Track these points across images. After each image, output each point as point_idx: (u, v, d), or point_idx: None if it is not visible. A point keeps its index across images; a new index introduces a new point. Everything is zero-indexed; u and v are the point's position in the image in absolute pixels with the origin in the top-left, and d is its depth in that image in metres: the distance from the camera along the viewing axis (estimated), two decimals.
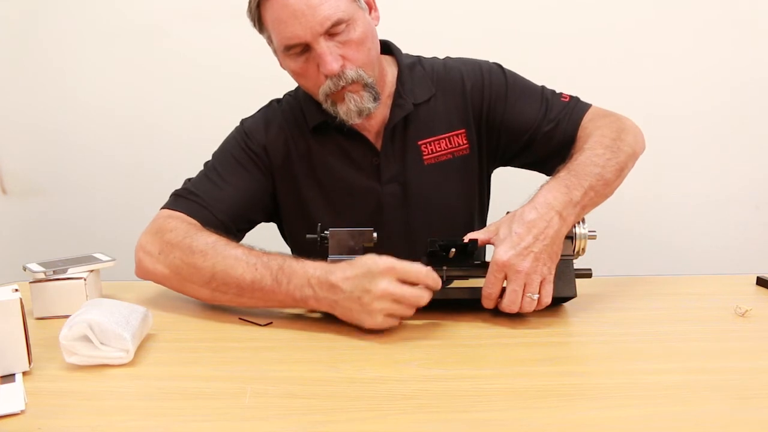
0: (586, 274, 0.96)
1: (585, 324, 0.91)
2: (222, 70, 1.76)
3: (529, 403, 0.67)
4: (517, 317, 0.92)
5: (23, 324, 0.75)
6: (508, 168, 1.26)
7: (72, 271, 0.97)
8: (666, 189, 1.82)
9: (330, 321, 0.90)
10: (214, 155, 1.18)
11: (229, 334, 0.87)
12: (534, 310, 0.90)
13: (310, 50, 1.01)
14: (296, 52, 1.02)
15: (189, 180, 1.15)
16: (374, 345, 0.84)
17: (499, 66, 1.19)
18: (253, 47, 1.71)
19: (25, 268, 0.97)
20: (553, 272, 0.90)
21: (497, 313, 0.92)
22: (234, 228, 1.10)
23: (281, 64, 1.10)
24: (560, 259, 0.91)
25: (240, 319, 0.93)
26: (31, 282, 0.96)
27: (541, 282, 0.88)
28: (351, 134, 1.13)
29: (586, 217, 0.96)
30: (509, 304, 0.88)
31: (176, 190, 1.12)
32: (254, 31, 1.46)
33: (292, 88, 1.23)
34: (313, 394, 0.70)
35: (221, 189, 1.10)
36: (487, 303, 0.90)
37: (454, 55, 1.23)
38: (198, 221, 1.04)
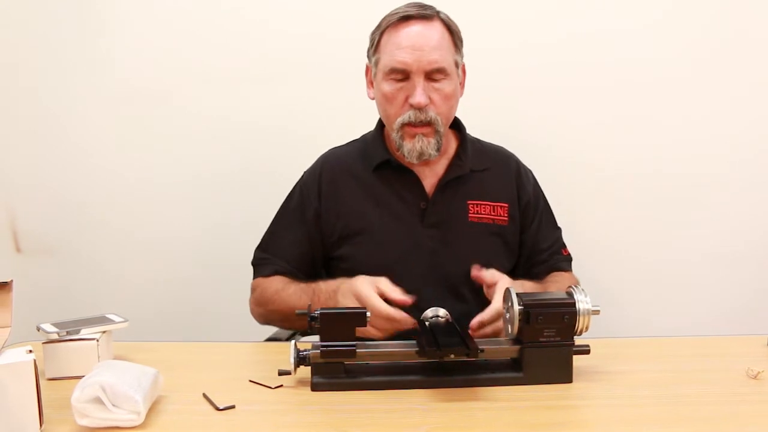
0: (584, 350, 0.94)
1: (593, 387, 0.91)
2: (229, 132, 1.79)
3: None
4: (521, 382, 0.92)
5: (36, 386, 0.76)
6: None
7: (85, 332, 0.98)
8: (674, 248, 1.81)
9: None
10: (279, 210, 1.34)
11: (239, 396, 0.87)
12: None
13: (406, 81, 1.17)
14: (396, 77, 1.17)
15: (265, 234, 1.34)
16: (384, 409, 0.84)
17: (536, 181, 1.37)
18: (258, 108, 1.77)
19: (38, 329, 0.99)
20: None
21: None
22: (300, 271, 1.27)
23: (370, 91, 1.26)
24: (558, 345, 0.92)
25: (251, 381, 0.93)
26: (44, 342, 0.97)
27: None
28: (408, 178, 1.25)
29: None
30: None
31: (252, 260, 1.33)
32: (258, 92, 1.53)
33: (304, 148, 1.35)
34: None
35: (281, 244, 1.30)
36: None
37: None
38: (268, 276, 1.27)
